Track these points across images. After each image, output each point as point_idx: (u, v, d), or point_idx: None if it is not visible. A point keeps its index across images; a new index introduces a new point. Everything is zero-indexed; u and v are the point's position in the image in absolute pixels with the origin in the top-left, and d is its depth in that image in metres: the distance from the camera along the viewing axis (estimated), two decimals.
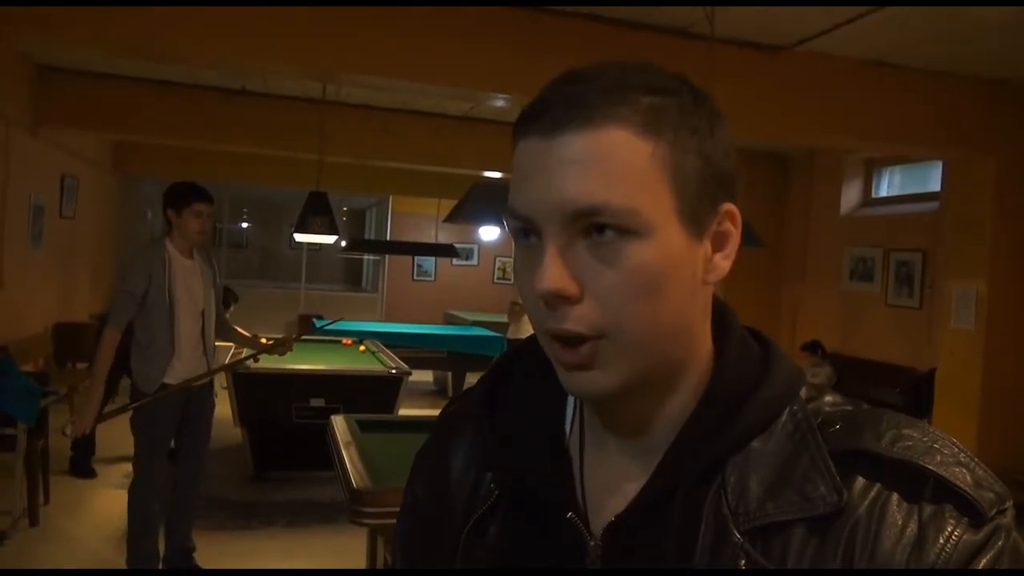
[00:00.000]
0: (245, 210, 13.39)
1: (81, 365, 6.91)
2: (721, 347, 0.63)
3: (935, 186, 6.26)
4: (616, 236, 0.55)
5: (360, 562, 3.43)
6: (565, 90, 0.57)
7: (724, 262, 0.61)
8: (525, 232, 0.58)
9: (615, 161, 0.55)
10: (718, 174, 0.59)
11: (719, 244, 0.60)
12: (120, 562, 3.64)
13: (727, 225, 0.60)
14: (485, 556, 0.66)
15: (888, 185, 7.09)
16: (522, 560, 0.64)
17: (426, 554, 0.71)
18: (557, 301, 0.56)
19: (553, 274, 0.55)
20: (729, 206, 0.60)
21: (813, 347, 6.51)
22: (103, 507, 4.54)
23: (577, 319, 0.56)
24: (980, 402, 4.85)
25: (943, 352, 5.17)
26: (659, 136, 0.56)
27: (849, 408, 0.61)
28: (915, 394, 5.48)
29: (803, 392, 0.62)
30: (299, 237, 5.76)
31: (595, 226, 0.55)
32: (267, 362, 5.17)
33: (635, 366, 0.58)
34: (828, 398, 0.63)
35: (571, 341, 0.57)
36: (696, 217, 0.58)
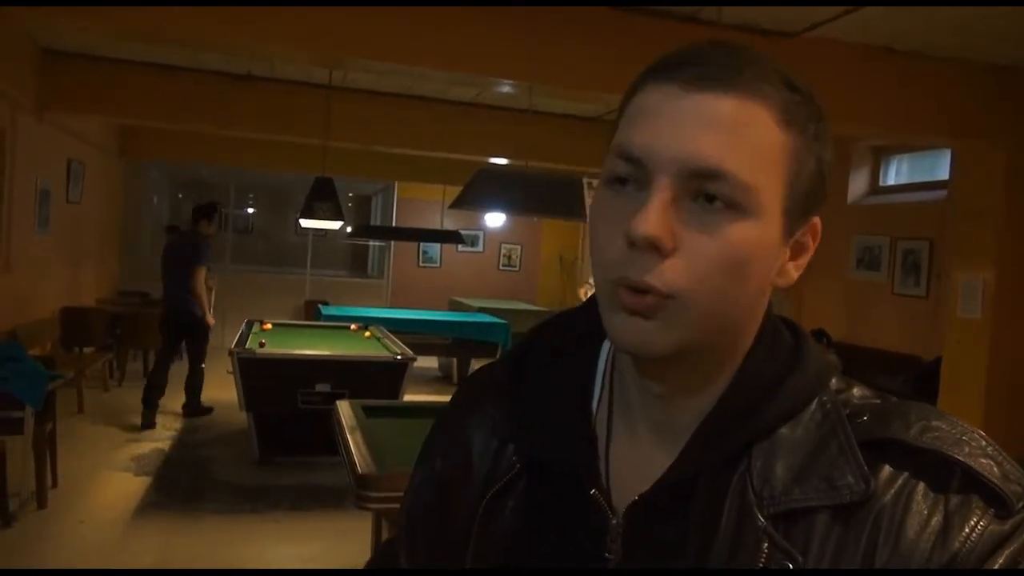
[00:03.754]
0: (251, 196, 13.40)
1: (88, 349, 6.95)
2: (755, 336, 0.63)
3: (943, 175, 6.22)
4: (723, 208, 0.55)
5: (365, 546, 3.45)
6: (713, 52, 0.57)
7: (794, 272, 0.62)
8: (622, 178, 0.57)
9: (751, 135, 0.55)
10: (821, 185, 0.60)
11: (796, 253, 0.61)
12: (126, 545, 3.67)
13: (808, 237, 0.61)
14: (503, 530, 0.65)
15: (896, 173, 7.05)
16: (541, 535, 0.64)
17: (442, 527, 0.70)
18: (647, 249, 0.54)
19: (655, 220, 0.54)
20: (816, 220, 0.61)
21: (818, 336, 6.50)
22: (111, 490, 4.58)
23: (658, 274, 0.55)
24: (986, 391, 4.83)
25: (949, 341, 5.16)
26: (790, 129, 0.57)
27: (878, 401, 0.61)
28: (921, 383, 5.47)
29: (833, 383, 0.62)
30: (305, 223, 5.76)
31: (706, 194, 0.55)
32: (273, 347, 5.20)
33: (692, 336, 0.57)
34: (857, 390, 0.62)
35: (640, 290, 0.56)
36: (793, 219, 0.59)
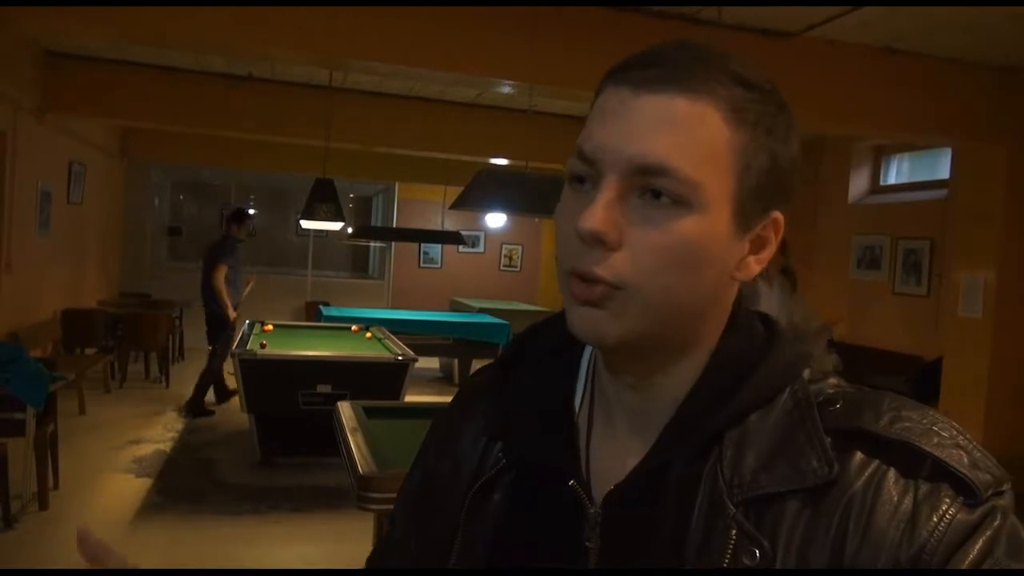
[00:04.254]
0: (252, 197, 13.39)
1: (89, 351, 6.95)
2: (725, 330, 0.64)
3: (944, 174, 6.22)
4: (670, 203, 0.57)
5: (366, 547, 3.46)
6: (669, 53, 0.59)
7: (756, 266, 0.62)
8: (581, 177, 0.60)
9: (697, 133, 0.57)
10: (779, 180, 0.61)
11: (756, 247, 0.62)
12: (127, 547, 3.67)
13: (770, 232, 0.62)
14: (488, 521, 0.68)
15: (897, 173, 7.05)
16: (523, 525, 0.67)
17: (433, 523, 0.73)
18: (594, 242, 0.57)
19: (600, 216, 0.56)
20: (777, 214, 0.62)
21: None
22: (112, 491, 4.58)
23: (606, 265, 0.57)
24: (987, 391, 4.83)
25: (950, 341, 5.16)
26: (740, 126, 0.58)
27: (851, 390, 0.62)
28: (922, 383, 5.47)
29: (807, 374, 0.63)
30: (305, 224, 5.77)
31: (652, 190, 0.56)
32: (274, 348, 5.20)
33: (641, 325, 0.59)
34: (832, 380, 0.63)
35: (590, 280, 0.58)
36: (746, 213, 0.60)
